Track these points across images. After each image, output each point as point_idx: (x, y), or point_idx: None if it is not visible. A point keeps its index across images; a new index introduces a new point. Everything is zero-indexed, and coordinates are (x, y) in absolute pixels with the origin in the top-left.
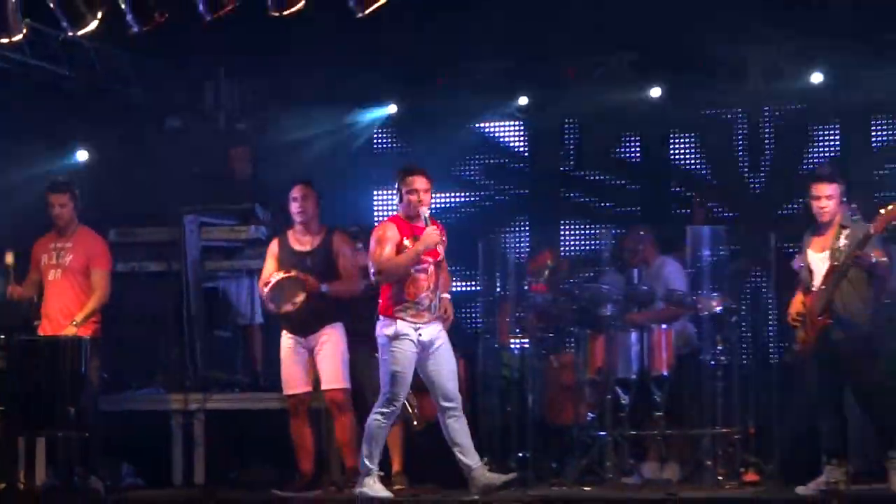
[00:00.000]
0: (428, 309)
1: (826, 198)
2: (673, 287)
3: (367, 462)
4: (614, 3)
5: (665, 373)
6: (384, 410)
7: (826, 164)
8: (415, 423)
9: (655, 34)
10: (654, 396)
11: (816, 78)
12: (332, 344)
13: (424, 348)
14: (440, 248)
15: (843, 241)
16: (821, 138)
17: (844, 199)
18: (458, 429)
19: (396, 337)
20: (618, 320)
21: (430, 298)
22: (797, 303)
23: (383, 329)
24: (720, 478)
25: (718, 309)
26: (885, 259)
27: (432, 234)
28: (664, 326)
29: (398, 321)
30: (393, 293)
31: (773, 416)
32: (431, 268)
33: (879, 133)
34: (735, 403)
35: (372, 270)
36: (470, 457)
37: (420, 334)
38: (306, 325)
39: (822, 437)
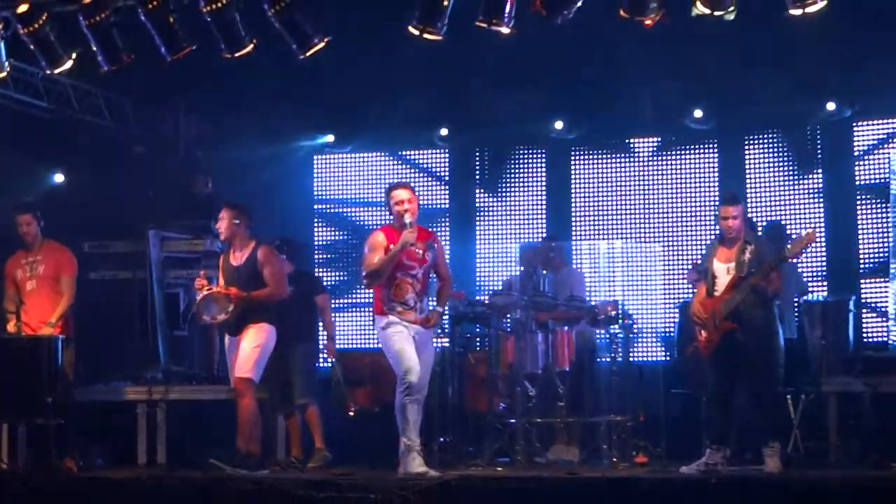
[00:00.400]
0: (413, 308)
1: (732, 218)
2: (576, 293)
3: (402, 437)
4: (526, 45)
5: (567, 368)
6: (401, 388)
7: (729, 190)
8: (351, 412)
9: (561, 73)
10: (558, 388)
11: (698, 113)
12: (247, 339)
13: (419, 336)
14: (428, 256)
15: (748, 256)
16: (701, 163)
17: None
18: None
19: (388, 326)
20: (525, 323)
21: (416, 301)
22: (697, 304)
23: (378, 325)
24: (615, 459)
25: (613, 313)
26: (777, 287)
27: (407, 234)
28: (566, 328)
29: (389, 315)
30: (382, 295)
31: (660, 405)
32: (420, 274)
33: (752, 158)
34: (627, 395)
35: (362, 276)
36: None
37: (406, 327)
38: (234, 326)
39: (707, 425)
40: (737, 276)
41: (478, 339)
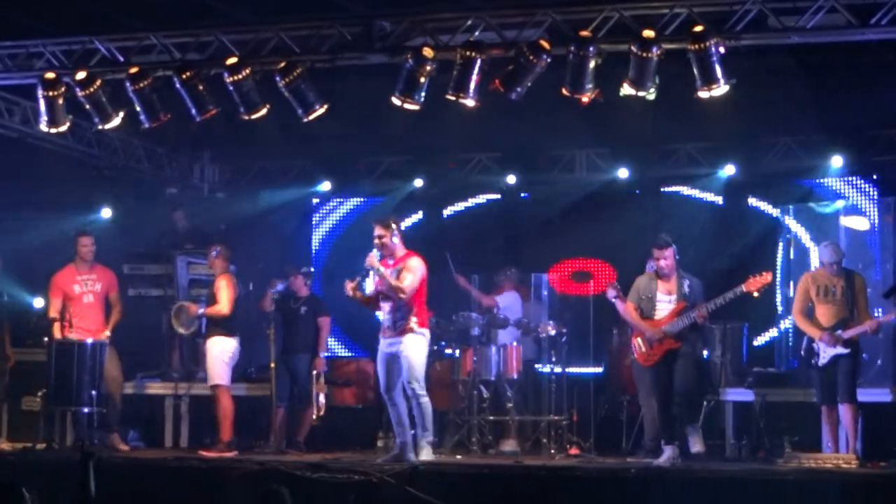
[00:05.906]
0: (388, 328)
1: (664, 258)
2: (515, 316)
3: None
4: (485, 116)
5: (515, 376)
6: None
7: (662, 235)
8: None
9: (513, 139)
10: (507, 392)
11: (623, 173)
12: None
13: (389, 348)
14: (387, 280)
15: (686, 289)
16: (625, 213)
17: (677, 258)
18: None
19: None
20: (482, 338)
21: (389, 320)
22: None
23: None
24: (552, 451)
25: (553, 332)
26: (706, 317)
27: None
28: (514, 343)
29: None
30: None
31: (589, 408)
32: (388, 304)
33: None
34: (563, 398)
35: None
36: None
37: (382, 343)
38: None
39: (663, 427)
40: (681, 304)
41: (444, 351)
